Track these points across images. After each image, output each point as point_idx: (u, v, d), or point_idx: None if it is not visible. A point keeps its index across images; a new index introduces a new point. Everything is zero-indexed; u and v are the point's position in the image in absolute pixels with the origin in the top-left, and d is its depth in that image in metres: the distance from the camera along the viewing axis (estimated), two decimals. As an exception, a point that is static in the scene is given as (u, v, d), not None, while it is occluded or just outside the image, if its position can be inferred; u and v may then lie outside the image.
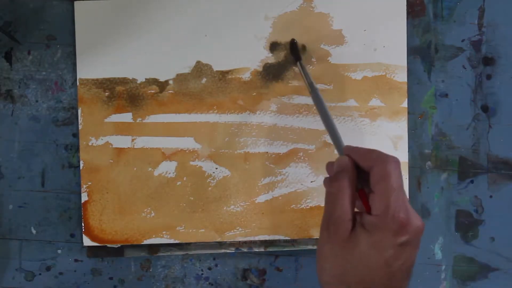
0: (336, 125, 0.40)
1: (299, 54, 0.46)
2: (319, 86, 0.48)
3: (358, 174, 0.36)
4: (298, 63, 0.46)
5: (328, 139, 0.48)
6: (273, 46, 0.48)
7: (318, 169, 0.48)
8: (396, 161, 0.34)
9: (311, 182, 0.48)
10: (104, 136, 0.48)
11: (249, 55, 0.48)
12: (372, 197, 0.34)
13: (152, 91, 0.48)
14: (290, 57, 0.47)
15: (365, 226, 0.34)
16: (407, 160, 0.48)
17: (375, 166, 0.34)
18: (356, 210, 0.36)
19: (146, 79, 0.48)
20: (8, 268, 0.50)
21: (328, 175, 0.39)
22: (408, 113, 0.48)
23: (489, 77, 0.49)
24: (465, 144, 0.49)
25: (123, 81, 0.48)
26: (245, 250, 0.49)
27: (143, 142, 0.48)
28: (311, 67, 0.48)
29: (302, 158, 0.48)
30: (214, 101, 0.48)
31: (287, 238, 0.48)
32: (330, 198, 0.36)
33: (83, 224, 0.48)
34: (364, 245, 0.34)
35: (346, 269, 0.34)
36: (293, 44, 0.47)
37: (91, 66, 0.48)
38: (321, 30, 0.48)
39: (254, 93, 0.48)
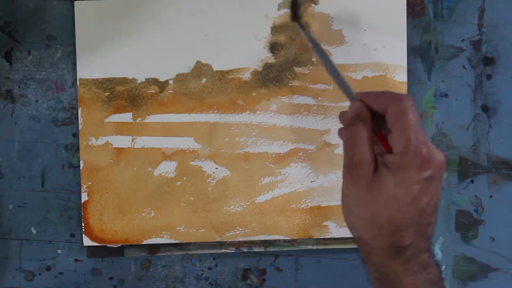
0: (343, 76, 0.40)
1: (298, 13, 0.46)
2: (319, 86, 0.48)
3: (373, 117, 0.36)
4: (296, 23, 0.45)
5: (328, 138, 0.48)
6: (273, 46, 0.48)
7: (318, 169, 0.48)
8: (410, 98, 0.34)
9: (311, 182, 0.48)
10: (104, 136, 0.48)
11: (249, 55, 0.48)
12: (391, 136, 0.34)
13: (152, 91, 0.48)
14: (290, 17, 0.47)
15: (388, 166, 0.34)
16: (407, 160, 0.48)
17: (390, 105, 0.34)
18: (376, 152, 0.36)
19: (146, 79, 0.48)
20: (8, 268, 0.50)
21: (342, 126, 0.38)
22: (408, 113, 0.48)
23: (489, 77, 0.49)
24: (465, 144, 0.49)
25: (123, 81, 0.48)
26: (245, 250, 0.49)
27: (143, 142, 0.48)
28: (311, 67, 0.48)
29: (302, 158, 0.48)
30: (214, 101, 0.48)
31: (287, 238, 0.48)
32: (348, 143, 0.36)
33: (83, 224, 0.48)
34: (390, 185, 0.34)
35: (374, 211, 0.34)
36: (294, 2, 0.46)
37: (91, 66, 0.48)
38: (321, 30, 0.48)
39: (254, 93, 0.48)
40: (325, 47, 0.48)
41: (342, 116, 0.38)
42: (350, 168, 0.35)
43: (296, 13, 0.46)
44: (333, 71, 0.40)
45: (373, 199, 0.34)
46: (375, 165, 0.35)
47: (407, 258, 0.34)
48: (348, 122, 0.36)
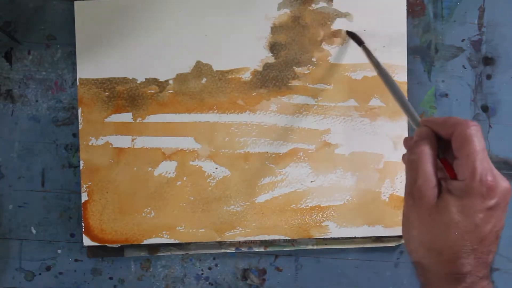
0: (408, 102, 0.39)
1: (360, 38, 0.46)
2: (319, 86, 0.48)
3: (438, 143, 0.36)
4: (362, 47, 0.45)
5: (328, 138, 0.48)
6: (273, 46, 0.48)
7: (318, 169, 0.48)
8: (476, 125, 0.34)
9: (311, 182, 0.48)
10: (104, 136, 0.48)
11: (249, 55, 0.48)
12: (457, 162, 0.34)
13: (152, 91, 0.48)
14: (353, 43, 0.47)
15: (453, 192, 0.34)
16: (407, 160, 0.48)
17: (456, 131, 0.34)
18: (440, 177, 0.36)
19: (146, 79, 0.48)
20: (8, 268, 0.50)
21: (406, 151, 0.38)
22: (408, 113, 0.48)
23: (489, 77, 0.49)
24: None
25: (123, 81, 0.48)
26: (245, 250, 0.49)
27: (143, 142, 0.48)
28: (311, 67, 0.48)
29: (302, 158, 0.48)
30: (214, 101, 0.48)
31: (287, 238, 0.48)
32: (412, 165, 0.35)
33: (83, 224, 0.48)
34: (453, 211, 0.33)
35: (435, 236, 0.34)
36: (350, 33, 0.47)
37: (91, 66, 0.48)
38: (321, 30, 0.48)
39: (254, 93, 0.48)
40: (324, 47, 0.48)
41: (406, 141, 0.38)
42: (412, 191, 0.35)
43: (358, 39, 0.46)
44: (399, 97, 0.40)
45: (434, 224, 0.34)
46: (438, 190, 0.34)
47: (467, 285, 0.33)
48: (413, 145, 0.36)
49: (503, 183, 0.33)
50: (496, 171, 0.34)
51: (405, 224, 0.36)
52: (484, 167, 0.33)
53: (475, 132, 0.33)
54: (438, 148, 0.35)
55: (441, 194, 0.34)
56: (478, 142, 0.33)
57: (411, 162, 0.35)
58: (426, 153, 0.34)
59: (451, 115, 0.49)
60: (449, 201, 0.34)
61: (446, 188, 0.34)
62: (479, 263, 0.34)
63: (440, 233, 0.34)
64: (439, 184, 0.34)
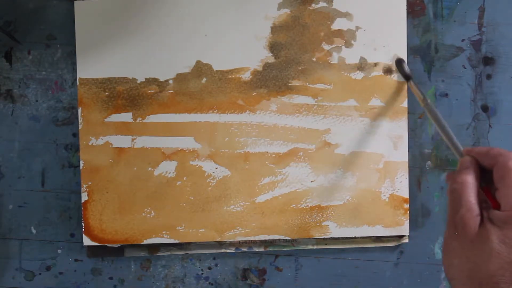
0: (452, 133, 0.40)
1: (408, 73, 0.46)
2: (319, 86, 0.48)
3: (480, 172, 0.36)
4: (408, 82, 0.46)
5: (328, 138, 0.48)
6: (273, 46, 0.48)
7: (318, 168, 0.48)
8: None
9: (311, 181, 0.48)
10: (104, 136, 0.48)
11: (249, 55, 0.48)
12: (498, 193, 0.35)
13: (152, 91, 0.48)
14: (400, 76, 0.47)
15: (494, 222, 0.34)
16: (407, 160, 0.48)
17: (498, 162, 0.35)
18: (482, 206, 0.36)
19: (146, 79, 0.48)
20: (8, 268, 0.50)
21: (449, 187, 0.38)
22: (408, 113, 0.48)
23: (489, 77, 0.49)
24: (465, 144, 0.49)
25: (123, 81, 0.48)
26: (245, 250, 0.49)
27: (143, 142, 0.48)
28: (311, 67, 0.48)
29: (302, 157, 0.48)
30: (214, 101, 0.48)
31: (287, 238, 0.48)
32: (455, 194, 0.36)
33: (83, 224, 0.48)
34: (494, 241, 0.34)
35: (476, 265, 0.34)
36: (400, 63, 0.47)
37: (91, 66, 0.48)
38: (321, 30, 0.48)
39: (254, 93, 0.48)
40: (324, 47, 0.48)
41: (449, 175, 0.39)
42: (455, 220, 0.35)
43: (406, 73, 0.46)
44: (442, 128, 0.41)
45: (475, 252, 0.34)
46: (481, 219, 0.35)
47: None
48: (457, 172, 0.36)
49: None
50: None
51: (446, 251, 0.37)
52: None
53: None
54: (480, 178, 0.36)
55: (482, 223, 0.35)
56: None
57: (453, 191, 0.36)
58: (469, 182, 0.35)
59: (451, 115, 0.49)
60: (491, 230, 0.34)
61: (487, 218, 0.35)
62: None
63: (481, 262, 0.34)
64: (481, 213, 0.35)
